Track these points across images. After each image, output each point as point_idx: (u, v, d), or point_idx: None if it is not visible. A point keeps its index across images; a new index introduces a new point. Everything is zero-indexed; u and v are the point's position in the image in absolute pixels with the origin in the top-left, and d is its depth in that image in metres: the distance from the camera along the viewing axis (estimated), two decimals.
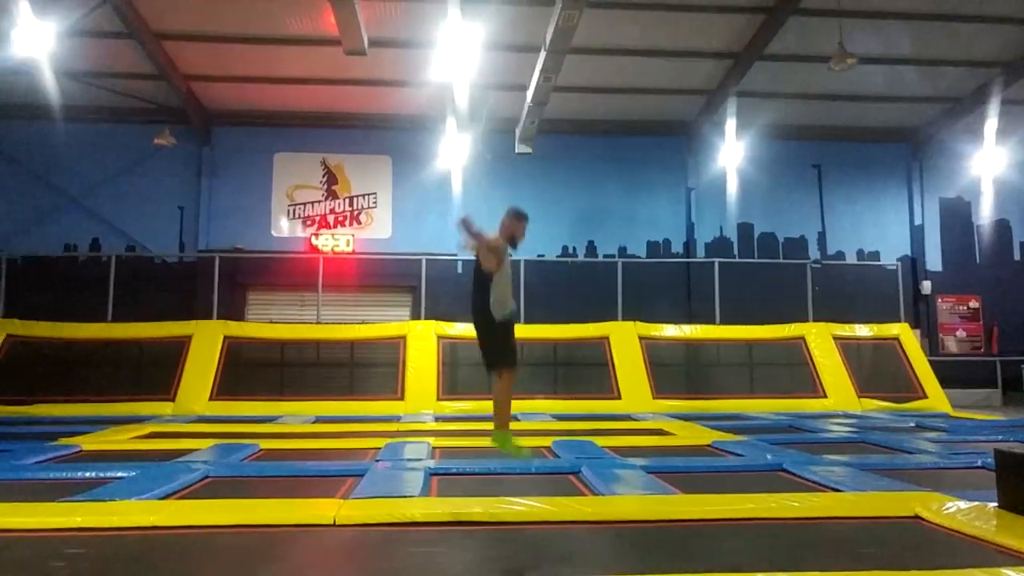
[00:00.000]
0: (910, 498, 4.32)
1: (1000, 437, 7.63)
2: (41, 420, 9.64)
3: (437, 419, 10.05)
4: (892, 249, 16.21)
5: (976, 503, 4.02)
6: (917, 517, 3.97)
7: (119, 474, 5.17)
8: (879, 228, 16.37)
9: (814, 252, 16.04)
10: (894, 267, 14.88)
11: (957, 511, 3.89)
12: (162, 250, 14.89)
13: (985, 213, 16.70)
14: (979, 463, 5.79)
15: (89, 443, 7.01)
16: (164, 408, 10.69)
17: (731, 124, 14.93)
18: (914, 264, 16.34)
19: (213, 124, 15.32)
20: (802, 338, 12.68)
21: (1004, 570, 2.99)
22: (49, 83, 12.54)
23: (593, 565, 3.29)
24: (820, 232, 16.29)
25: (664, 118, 15.79)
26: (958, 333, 16.45)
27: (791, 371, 12.34)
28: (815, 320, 13.12)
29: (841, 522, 4.00)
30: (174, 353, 11.52)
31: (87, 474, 5.26)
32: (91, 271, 13.98)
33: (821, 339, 12.60)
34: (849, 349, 12.58)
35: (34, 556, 3.30)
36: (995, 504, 3.96)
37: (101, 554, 3.37)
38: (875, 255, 16.21)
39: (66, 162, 14.81)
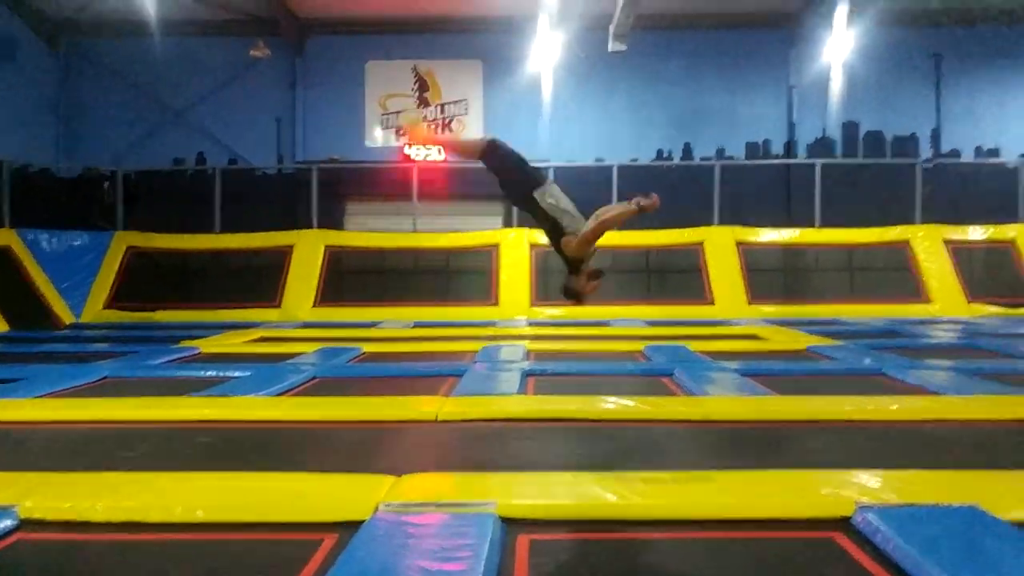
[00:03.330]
0: (1020, 402, 4.18)
1: None
2: (162, 325, 10.38)
3: (530, 324, 10.26)
4: (1015, 145, 14.88)
5: None
6: None
7: (236, 374, 5.57)
8: (1002, 123, 14.97)
9: (927, 151, 14.96)
10: (1015, 165, 13.75)
11: None
12: (262, 162, 15.38)
13: None
14: None
15: (207, 346, 7.53)
16: (271, 314, 11.30)
17: (840, 11, 13.80)
18: None
19: (305, 35, 15.42)
20: (907, 241, 12.09)
21: None
22: None
23: (686, 460, 3.34)
24: (934, 129, 15.12)
25: (765, 10, 14.79)
26: None
27: (894, 275, 11.85)
28: (924, 223, 12.43)
29: (943, 424, 3.93)
30: (279, 262, 12.12)
31: (208, 373, 5.70)
32: (198, 184, 14.61)
33: (929, 242, 11.98)
34: (961, 253, 11.91)
35: (171, 443, 3.72)
36: None
37: (228, 443, 3.73)
38: (995, 152, 14.97)
39: (170, 78, 15.27)
